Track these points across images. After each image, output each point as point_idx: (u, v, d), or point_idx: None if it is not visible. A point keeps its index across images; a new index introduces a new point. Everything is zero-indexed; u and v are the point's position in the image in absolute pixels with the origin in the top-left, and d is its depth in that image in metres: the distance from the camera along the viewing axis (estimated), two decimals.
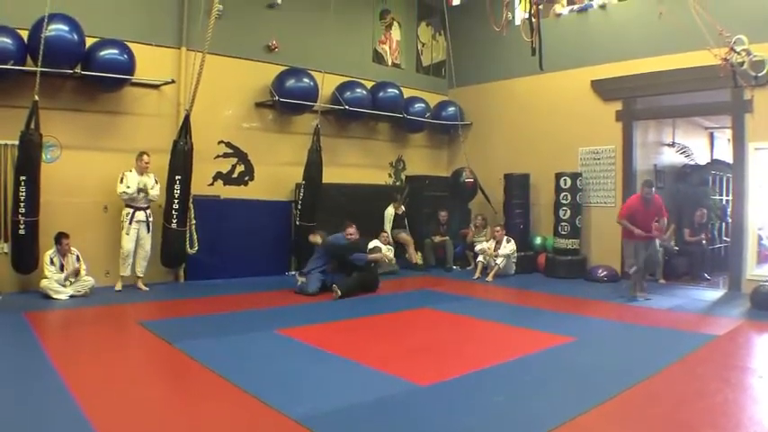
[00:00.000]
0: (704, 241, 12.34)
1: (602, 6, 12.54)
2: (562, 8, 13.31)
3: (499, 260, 11.87)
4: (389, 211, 12.96)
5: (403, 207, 13.17)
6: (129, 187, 9.47)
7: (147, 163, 9.64)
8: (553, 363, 6.18)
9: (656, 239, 10.11)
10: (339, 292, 9.52)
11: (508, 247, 12.04)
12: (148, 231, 9.75)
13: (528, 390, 5.25)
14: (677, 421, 4.53)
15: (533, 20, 9.81)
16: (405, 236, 13.07)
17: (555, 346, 6.75)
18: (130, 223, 9.56)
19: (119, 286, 9.61)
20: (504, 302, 9.92)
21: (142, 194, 9.57)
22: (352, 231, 10.41)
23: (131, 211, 9.57)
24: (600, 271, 11.87)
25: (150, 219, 9.76)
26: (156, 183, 9.79)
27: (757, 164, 10.55)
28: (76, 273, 8.95)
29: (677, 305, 9.38)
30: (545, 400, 4.97)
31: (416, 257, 13.06)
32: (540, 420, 4.48)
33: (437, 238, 13.14)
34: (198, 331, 7.13)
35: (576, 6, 13.11)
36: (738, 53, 8.41)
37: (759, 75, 8.66)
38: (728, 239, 12.38)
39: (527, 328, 7.66)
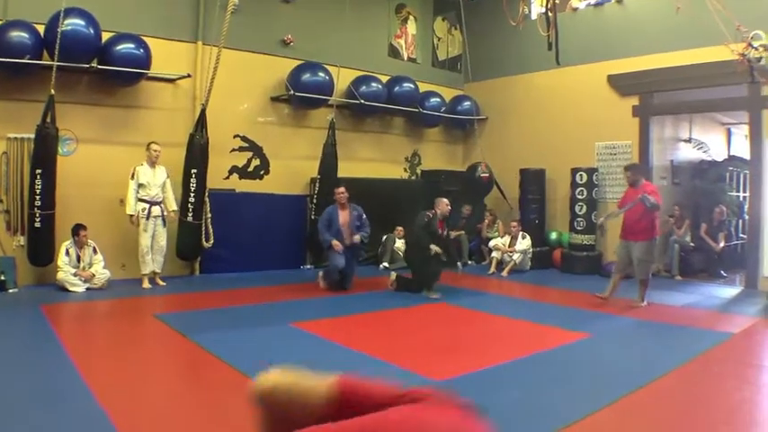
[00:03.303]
0: (720, 244, 12.18)
1: (619, 1, 12.46)
2: (579, 2, 13.24)
3: (515, 256, 11.88)
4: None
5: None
6: (141, 185, 9.30)
7: (157, 152, 9.46)
8: (568, 359, 6.16)
9: (642, 241, 8.73)
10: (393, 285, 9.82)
11: (524, 242, 12.03)
12: (164, 226, 9.65)
13: (543, 386, 5.24)
14: (693, 419, 4.52)
15: (550, 14, 9.77)
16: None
17: (570, 343, 6.73)
18: (147, 219, 9.38)
19: (146, 284, 9.41)
20: (519, 298, 9.91)
21: (157, 191, 9.49)
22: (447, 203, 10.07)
23: (147, 206, 9.38)
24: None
25: (165, 213, 9.63)
26: (168, 176, 9.68)
27: None
28: (92, 276, 8.97)
29: (693, 302, 9.34)
30: (560, 396, 4.96)
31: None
32: (554, 416, 4.48)
33: (452, 233, 13.11)
34: (213, 324, 7.16)
35: (592, 0, 13.04)
36: (756, 49, 8.31)
37: None
38: (745, 236, 12.30)
39: (542, 324, 7.63)
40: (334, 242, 9.61)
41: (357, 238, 9.89)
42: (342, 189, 9.93)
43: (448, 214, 10.01)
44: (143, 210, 9.36)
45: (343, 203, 9.92)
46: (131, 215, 9.28)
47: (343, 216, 9.90)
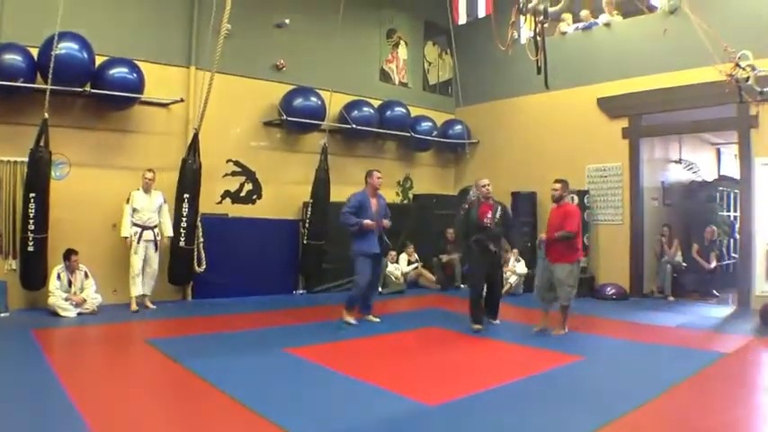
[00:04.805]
0: (712, 263, 12.22)
1: (607, 24, 12.60)
2: (567, 26, 13.37)
3: (512, 279, 11.88)
4: (404, 257, 12.99)
5: (416, 255, 13.24)
6: (135, 209, 9.48)
7: (149, 179, 9.60)
8: (562, 382, 6.14)
9: (564, 264, 8.21)
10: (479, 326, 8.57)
11: (519, 266, 12.06)
12: (156, 250, 9.72)
13: (537, 409, 5.21)
14: None
15: (538, 38, 9.86)
16: (416, 272, 13.24)
17: (564, 365, 6.72)
18: (138, 242, 9.51)
19: (134, 306, 9.46)
20: (513, 321, 9.86)
21: (150, 215, 9.60)
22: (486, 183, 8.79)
23: (139, 230, 9.53)
24: (608, 289, 11.83)
25: (158, 237, 9.74)
26: (165, 202, 9.82)
27: (764, 179, 10.53)
28: (83, 301, 8.93)
29: (686, 322, 9.34)
30: (554, 419, 4.93)
31: (431, 280, 13.08)
32: None
33: (445, 257, 13.12)
34: (205, 350, 7.11)
35: (581, 24, 13.18)
36: (743, 68, 8.40)
37: (764, 90, 8.67)
38: (737, 256, 12.34)
39: (536, 347, 7.61)
40: (367, 221, 8.65)
41: (386, 222, 8.98)
42: (380, 174, 9.09)
43: (488, 194, 8.74)
44: (135, 233, 9.47)
45: (377, 190, 9.06)
46: (126, 237, 9.42)
47: (374, 204, 8.93)
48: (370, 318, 9.09)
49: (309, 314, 9.62)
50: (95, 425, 4.40)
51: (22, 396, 5.17)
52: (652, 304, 11.03)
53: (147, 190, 9.63)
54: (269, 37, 11.93)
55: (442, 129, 14.53)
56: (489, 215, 8.50)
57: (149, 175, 9.60)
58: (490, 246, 8.45)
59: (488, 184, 8.69)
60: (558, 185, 8.50)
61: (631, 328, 8.99)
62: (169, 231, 9.84)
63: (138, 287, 9.55)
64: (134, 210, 9.49)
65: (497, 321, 9.02)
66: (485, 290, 8.77)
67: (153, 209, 9.63)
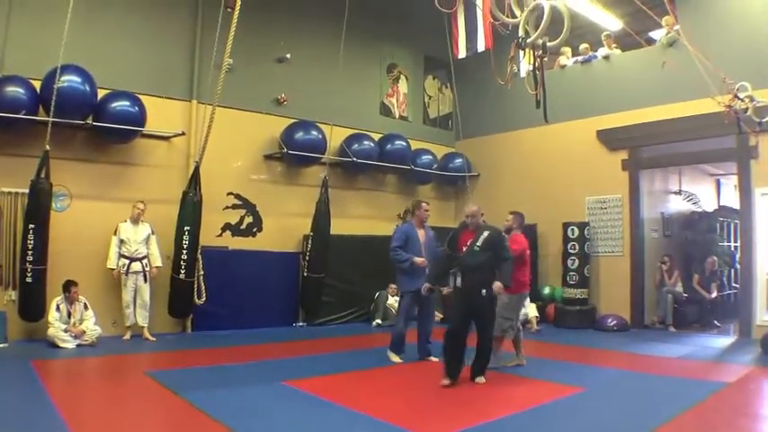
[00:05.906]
0: (713, 294, 12.24)
1: (606, 57, 12.72)
2: (567, 59, 13.49)
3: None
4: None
5: None
6: (123, 241, 9.58)
7: (141, 210, 9.71)
8: (562, 414, 6.08)
9: (506, 295, 7.65)
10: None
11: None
12: (146, 281, 9.75)
13: None
14: None
15: (537, 72, 9.93)
16: None
17: (564, 397, 6.64)
18: (126, 274, 9.60)
19: (127, 336, 9.61)
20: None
21: (137, 247, 9.68)
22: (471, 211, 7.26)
23: (127, 262, 9.61)
24: (609, 320, 11.79)
25: (147, 269, 9.77)
26: (153, 233, 9.88)
27: (764, 209, 10.58)
28: (82, 333, 8.91)
29: (687, 353, 9.29)
30: None
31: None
32: None
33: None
34: (205, 382, 7.05)
35: (580, 57, 13.30)
36: (742, 100, 8.48)
37: (763, 121, 8.73)
38: (738, 286, 12.32)
39: (536, 379, 7.55)
40: (417, 259, 8.23)
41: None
42: (428, 206, 8.71)
43: (473, 221, 7.19)
44: (123, 265, 9.57)
45: (424, 222, 8.64)
46: (112, 269, 9.52)
47: (422, 236, 8.49)
48: (432, 359, 8.41)
49: (310, 347, 9.57)
50: None
51: (21, 428, 5.13)
52: (653, 335, 10.98)
53: (135, 221, 9.73)
54: (270, 71, 12.06)
55: (443, 162, 14.59)
56: (468, 243, 7.11)
57: (141, 206, 9.71)
58: (456, 282, 7.19)
59: (472, 214, 7.21)
60: (510, 217, 8.40)
61: (632, 359, 8.93)
62: (158, 262, 9.90)
63: (131, 317, 9.65)
64: (121, 241, 9.58)
65: (481, 380, 7.29)
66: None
67: (140, 240, 9.71)
